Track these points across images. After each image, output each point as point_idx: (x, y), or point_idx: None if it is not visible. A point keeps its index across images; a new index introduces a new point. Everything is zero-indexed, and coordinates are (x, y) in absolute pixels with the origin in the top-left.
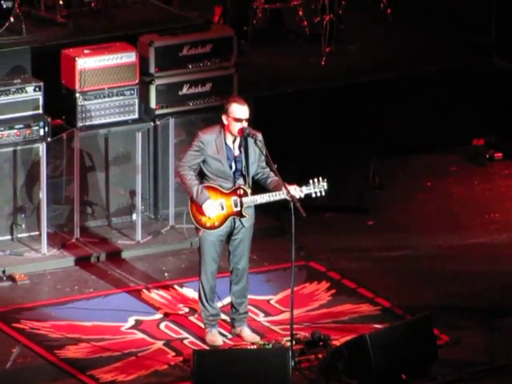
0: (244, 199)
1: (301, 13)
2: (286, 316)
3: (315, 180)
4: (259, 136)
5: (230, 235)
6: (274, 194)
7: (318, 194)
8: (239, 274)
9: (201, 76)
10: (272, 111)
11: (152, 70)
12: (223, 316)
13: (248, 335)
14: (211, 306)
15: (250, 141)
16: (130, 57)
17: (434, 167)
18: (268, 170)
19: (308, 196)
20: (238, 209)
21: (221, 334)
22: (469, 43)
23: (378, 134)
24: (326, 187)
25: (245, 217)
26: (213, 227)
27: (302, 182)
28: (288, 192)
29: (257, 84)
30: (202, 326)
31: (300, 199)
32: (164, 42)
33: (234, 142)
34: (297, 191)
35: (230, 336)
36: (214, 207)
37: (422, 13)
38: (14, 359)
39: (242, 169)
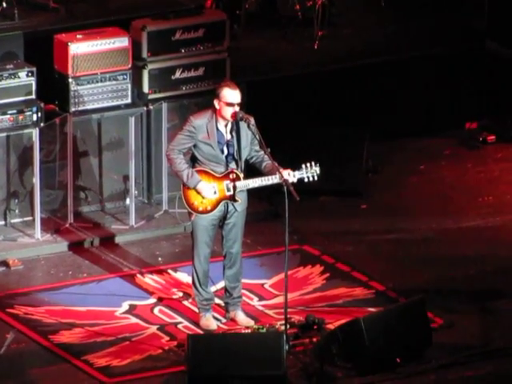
0: (236, 183)
1: None
2: (280, 300)
3: (308, 164)
4: (252, 120)
5: (223, 219)
6: (266, 178)
7: (311, 179)
8: (232, 259)
9: (193, 60)
10: (265, 95)
11: (145, 54)
12: (217, 300)
13: (242, 319)
14: (205, 291)
15: (242, 125)
16: (122, 41)
17: (428, 151)
18: (262, 153)
19: (301, 180)
20: (231, 193)
21: (215, 318)
22: (461, 27)
23: (371, 117)
24: (318, 172)
25: (237, 201)
26: (205, 211)
27: (295, 166)
28: (281, 176)
29: (249, 68)
30: (196, 310)
31: (293, 183)
32: (156, 27)
33: (225, 126)
34: (290, 176)
35: (224, 320)
36: (209, 188)
37: None
38: (8, 345)
39: (234, 153)
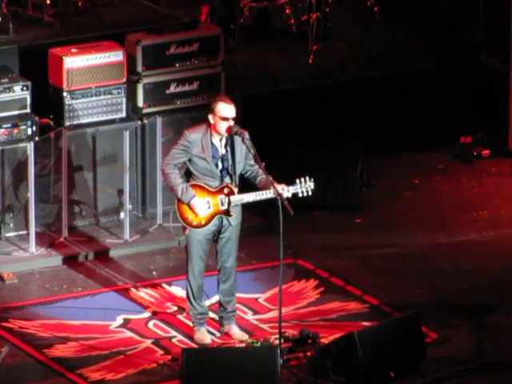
0: (231, 198)
1: (288, 11)
2: (274, 314)
3: (302, 180)
4: (246, 135)
5: (217, 233)
6: (260, 192)
7: (305, 194)
8: (227, 273)
9: (188, 74)
10: (259, 110)
11: (139, 68)
12: (211, 314)
13: (236, 333)
14: (199, 305)
15: (237, 139)
16: (117, 56)
17: (422, 165)
18: (257, 167)
19: (295, 195)
20: (225, 207)
21: (209, 332)
22: (456, 41)
23: (365, 131)
24: (312, 187)
25: (231, 215)
26: (199, 226)
27: (289, 180)
28: (276, 190)
29: (244, 82)
30: (191, 324)
31: (287, 198)
32: (151, 41)
33: (220, 140)
34: (284, 191)
35: (218, 334)
36: (202, 204)
37: (408, 11)
38: (2, 358)
39: (229, 167)
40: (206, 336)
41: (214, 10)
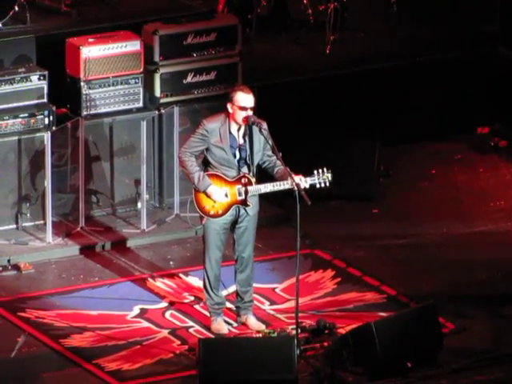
0: (248, 188)
1: (305, 1)
2: (291, 304)
3: (319, 171)
4: (264, 125)
5: (234, 223)
6: (278, 183)
7: (323, 185)
8: (244, 263)
9: (205, 64)
10: (276, 100)
11: (157, 58)
12: (228, 304)
13: (253, 323)
14: (216, 295)
15: (255, 129)
16: (134, 45)
17: (439, 155)
18: (274, 158)
19: (312, 186)
20: (242, 197)
21: (226, 322)
22: (474, 32)
23: (382, 122)
24: (330, 178)
25: (248, 205)
26: (216, 215)
27: (306, 170)
28: (293, 181)
29: (261, 72)
30: (208, 314)
31: (305, 188)
32: (168, 31)
33: (238, 130)
34: (302, 181)
35: (235, 324)
36: (219, 191)
37: (426, 1)
38: (19, 348)
39: (247, 157)
40: (222, 326)
41: None
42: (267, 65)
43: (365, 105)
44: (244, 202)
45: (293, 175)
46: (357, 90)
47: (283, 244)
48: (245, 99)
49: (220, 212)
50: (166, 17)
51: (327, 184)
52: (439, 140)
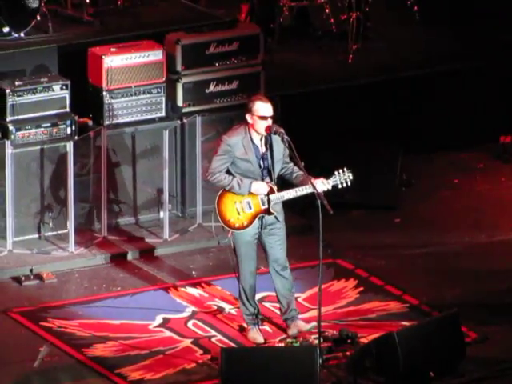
0: (271, 196)
1: (327, 10)
2: (313, 314)
3: (340, 171)
4: (284, 134)
5: (264, 232)
6: (300, 188)
7: (344, 185)
8: (281, 270)
9: (228, 74)
10: (298, 109)
11: (179, 67)
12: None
13: (302, 326)
14: (251, 305)
15: (275, 137)
16: (156, 55)
17: (461, 164)
18: (292, 164)
19: (335, 187)
20: (266, 206)
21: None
22: (495, 40)
23: (405, 131)
24: (351, 177)
25: (272, 214)
26: (242, 227)
27: (326, 178)
28: (314, 187)
29: (284, 82)
30: (230, 323)
31: (327, 197)
32: (191, 40)
33: (260, 139)
34: (324, 183)
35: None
36: (262, 185)
37: (448, 10)
38: (41, 358)
39: (269, 166)
40: (258, 335)
41: (254, 8)
42: (289, 74)
43: (387, 114)
44: (268, 211)
45: (314, 179)
46: (379, 99)
47: (306, 253)
48: (264, 108)
49: (245, 224)
50: (188, 26)
51: (348, 183)
52: (461, 149)
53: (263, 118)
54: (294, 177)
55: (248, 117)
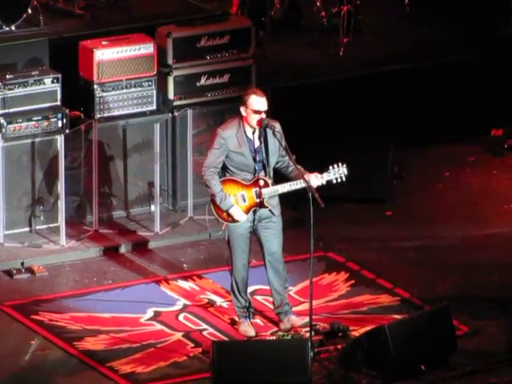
0: (265, 189)
1: (318, 3)
2: (305, 307)
3: (335, 166)
4: (277, 126)
5: (259, 225)
6: (294, 182)
7: (339, 180)
8: (274, 264)
9: (219, 67)
10: (290, 102)
11: (170, 61)
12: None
13: (296, 321)
14: (243, 298)
15: (269, 131)
16: (147, 48)
17: (453, 157)
18: (287, 158)
19: (329, 182)
20: (260, 199)
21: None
22: (488, 33)
23: (396, 124)
24: (346, 172)
25: (267, 207)
26: (236, 220)
27: (321, 172)
28: (306, 182)
29: (275, 75)
30: (221, 316)
31: (318, 190)
32: (182, 33)
33: (253, 133)
34: (318, 179)
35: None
36: (240, 212)
37: (440, 2)
38: (33, 351)
39: (263, 159)
40: (250, 328)
41: (245, 2)
42: (280, 67)
43: (378, 107)
44: (262, 204)
45: (308, 174)
46: (370, 92)
47: (297, 246)
48: (259, 102)
49: None
50: (179, 19)
51: (343, 178)
52: (453, 142)
53: (257, 112)
54: (290, 171)
55: (242, 109)
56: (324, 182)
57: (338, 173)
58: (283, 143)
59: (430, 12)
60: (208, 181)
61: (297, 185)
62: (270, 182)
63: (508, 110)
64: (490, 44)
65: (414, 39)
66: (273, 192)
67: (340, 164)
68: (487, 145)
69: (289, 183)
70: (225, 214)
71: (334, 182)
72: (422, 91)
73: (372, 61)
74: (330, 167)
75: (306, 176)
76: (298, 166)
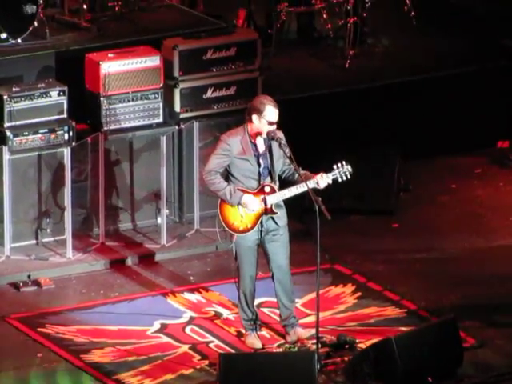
0: (272, 195)
1: (325, 15)
2: (311, 319)
3: (339, 165)
4: (283, 138)
5: (266, 237)
6: (300, 185)
7: (344, 178)
8: (281, 276)
9: (225, 79)
10: (296, 114)
11: (176, 73)
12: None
13: (302, 333)
14: (250, 311)
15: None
16: (154, 60)
17: (459, 169)
18: (293, 166)
19: (335, 181)
20: (269, 206)
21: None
22: (494, 45)
23: (403, 136)
24: (350, 170)
25: (276, 213)
26: (246, 230)
27: (325, 172)
28: (309, 184)
29: (281, 87)
30: (228, 328)
31: (324, 203)
32: (188, 46)
33: (258, 139)
34: (324, 178)
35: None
36: (253, 199)
37: (446, 15)
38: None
39: (268, 165)
40: (257, 341)
41: (251, 14)
42: (287, 79)
43: (385, 119)
44: (271, 211)
45: (313, 176)
46: (377, 104)
47: (303, 259)
48: (275, 114)
49: (249, 226)
50: (185, 32)
51: (348, 176)
52: (459, 154)
53: (272, 123)
54: (296, 177)
55: (255, 117)
56: (330, 182)
57: (342, 171)
58: (287, 151)
59: (437, 24)
60: (211, 180)
61: (303, 187)
62: (276, 187)
63: None
64: (496, 55)
65: (420, 51)
66: (280, 197)
67: (343, 162)
68: (494, 157)
69: (295, 186)
70: (235, 224)
71: (340, 180)
72: (428, 103)
73: (378, 73)
74: (334, 166)
75: (312, 179)
76: (302, 172)
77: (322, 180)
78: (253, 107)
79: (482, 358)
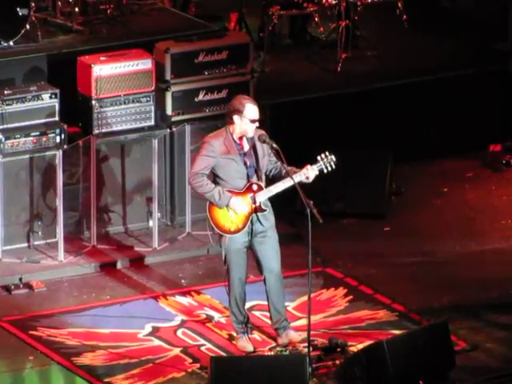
0: (260, 193)
1: (317, 19)
2: (303, 322)
3: (323, 155)
4: (273, 142)
5: (254, 240)
6: (286, 179)
7: (329, 168)
8: (273, 279)
9: (217, 82)
10: (288, 117)
11: (168, 76)
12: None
13: (294, 336)
14: (241, 314)
15: (256, 136)
16: (146, 64)
17: (451, 173)
18: (279, 163)
19: (321, 172)
20: (257, 204)
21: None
22: (485, 48)
23: (394, 139)
24: (334, 159)
25: (265, 210)
26: (237, 230)
27: (319, 190)
28: (293, 178)
29: (273, 90)
30: (219, 332)
31: (316, 206)
32: (180, 49)
33: (241, 139)
34: (310, 170)
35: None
36: (241, 201)
37: (438, 18)
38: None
39: (254, 164)
40: (248, 344)
41: (243, 17)
42: (279, 83)
43: (377, 122)
44: (260, 209)
45: (299, 171)
46: (368, 108)
47: (295, 262)
48: (255, 111)
49: (240, 226)
50: (177, 35)
51: (333, 166)
52: (451, 157)
53: (254, 120)
54: (283, 174)
55: (236, 118)
56: (317, 173)
57: (327, 162)
58: (274, 145)
59: (429, 28)
60: (198, 183)
61: (290, 181)
62: (263, 185)
63: (506, 126)
64: (488, 59)
65: (412, 54)
66: (268, 193)
67: (327, 153)
68: (486, 160)
69: (282, 181)
70: (226, 225)
71: (325, 171)
72: (419, 106)
73: (370, 76)
74: (318, 157)
75: (299, 173)
76: (289, 168)
77: (311, 171)
78: (233, 108)
79: (473, 361)
